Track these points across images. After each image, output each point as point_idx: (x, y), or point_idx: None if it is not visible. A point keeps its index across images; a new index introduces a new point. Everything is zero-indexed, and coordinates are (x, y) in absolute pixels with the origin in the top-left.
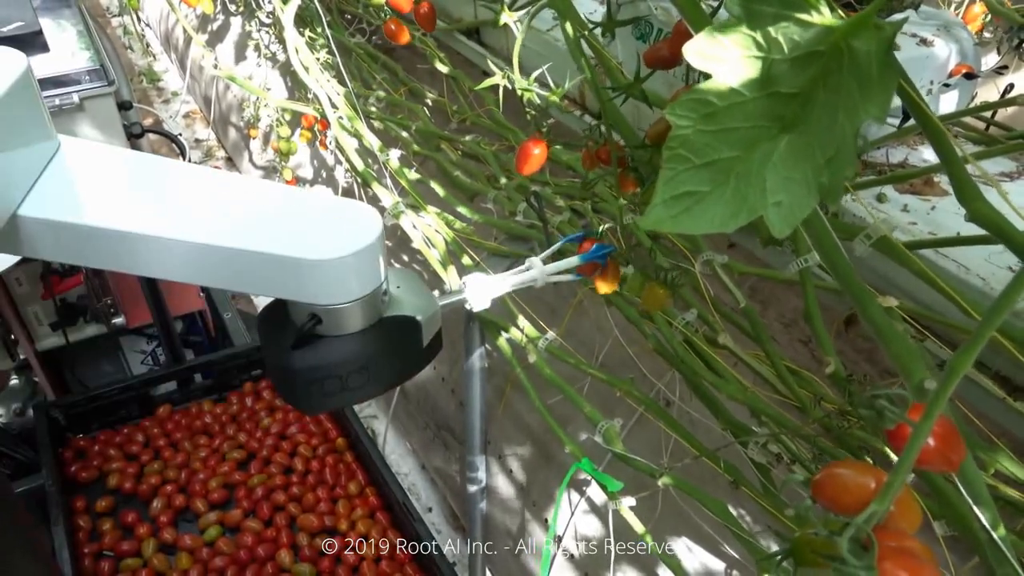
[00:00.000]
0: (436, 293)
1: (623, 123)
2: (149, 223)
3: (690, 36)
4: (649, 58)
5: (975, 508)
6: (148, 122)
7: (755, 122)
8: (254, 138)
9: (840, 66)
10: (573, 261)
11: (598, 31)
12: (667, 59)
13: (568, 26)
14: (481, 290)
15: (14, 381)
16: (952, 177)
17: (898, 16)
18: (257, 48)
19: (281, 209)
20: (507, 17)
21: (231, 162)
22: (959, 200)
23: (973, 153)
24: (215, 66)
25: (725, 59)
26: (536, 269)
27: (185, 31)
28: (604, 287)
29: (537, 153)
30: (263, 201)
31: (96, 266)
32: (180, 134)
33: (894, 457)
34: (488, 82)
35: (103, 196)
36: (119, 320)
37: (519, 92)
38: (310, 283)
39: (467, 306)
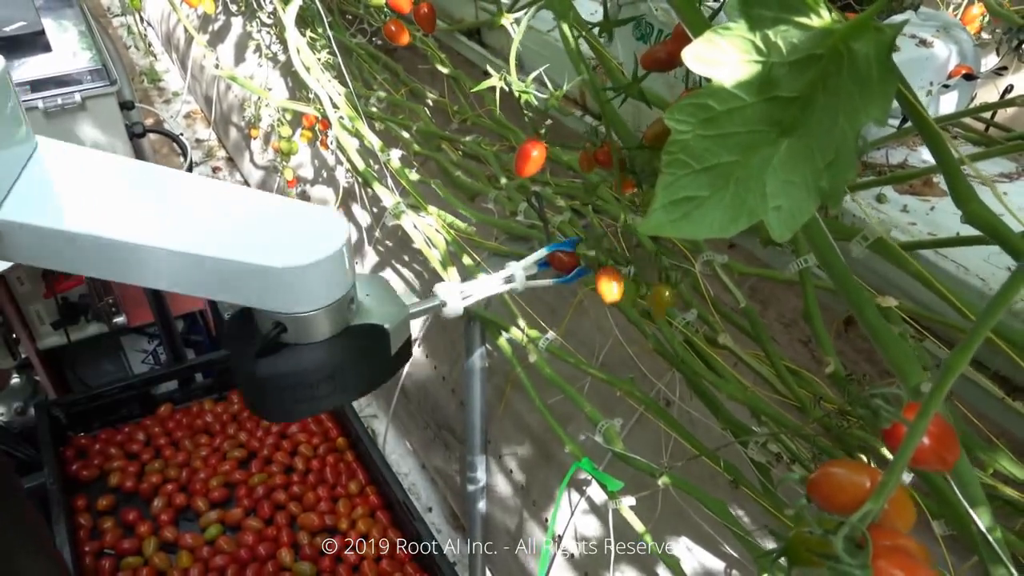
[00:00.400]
0: (406, 294)
1: (621, 124)
2: (118, 228)
3: (689, 39)
4: (646, 60)
5: (970, 510)
6: (149, 122)
7: (754, 126)
8: (255, 138)
9: (840, 69)
10: (549, 281)
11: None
12: (664, 61)
13: (565, 27)
14: (453, 297)
15: (16, 380)
16: (948, 179)
17: (898, 18)
18: (258, 48)
19: (247, 215)
20: (505, 20)
21: (232, 162)
22: (955, 202)
23: (972, 154)
24: (216, 66)
25: (724, 63)
26: (519, 281)
27: (186, 31)
28: (609, 295)
29: (536, 155)
30: (230, 206)
31: (68, 270)
32: (181, 134)
33: (891, 457)
34: (485, 84)
35: (77, 201)
36: (120, 319)
37: (517, 94)
38: (274, 291)
39: (442, 313)
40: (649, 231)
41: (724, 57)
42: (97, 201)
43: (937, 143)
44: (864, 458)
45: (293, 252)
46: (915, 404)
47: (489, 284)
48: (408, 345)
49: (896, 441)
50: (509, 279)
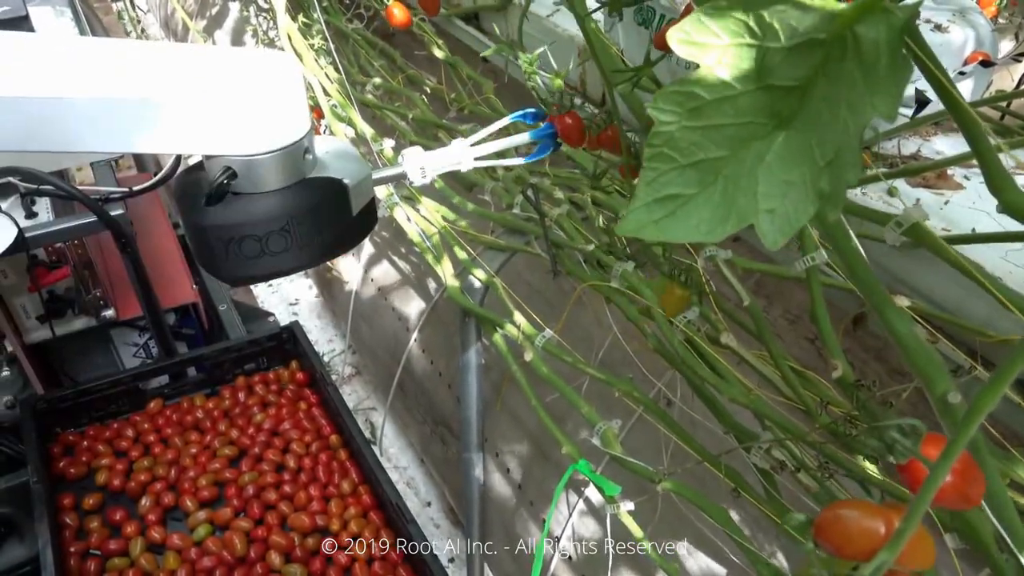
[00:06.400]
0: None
1: (638, 105)
2: (53, 86)
3: None
4: (660, 42)
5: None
6: None
7: (747, 118)
8: None
9: (844, 56)
10: (524, 138)
11: (599, 19)
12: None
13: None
14: (418, 164)
15: (6, 373)
16: (984, 167)
17: None
18: (255, 34)
19: (192, 62)
20: None
21: None
22: (991, 191)
23: (996, 144)
24: None
25: (714, 47)
26: (466, 162)
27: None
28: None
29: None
30: (174, 57)
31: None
32: None
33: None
34: (489, 51)
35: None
36: (109, 312)
37: (524, 72)
38: (224, 129)
39: (407, 181)
40: (628, 232)
41: (714, 40)
42: (30, 66)
43: (972, 129)
44: (874, 468)
45: (244, 88)
46: (935, 436)
47: (458, 153)
48: (373, 212)
49: (914, 478)
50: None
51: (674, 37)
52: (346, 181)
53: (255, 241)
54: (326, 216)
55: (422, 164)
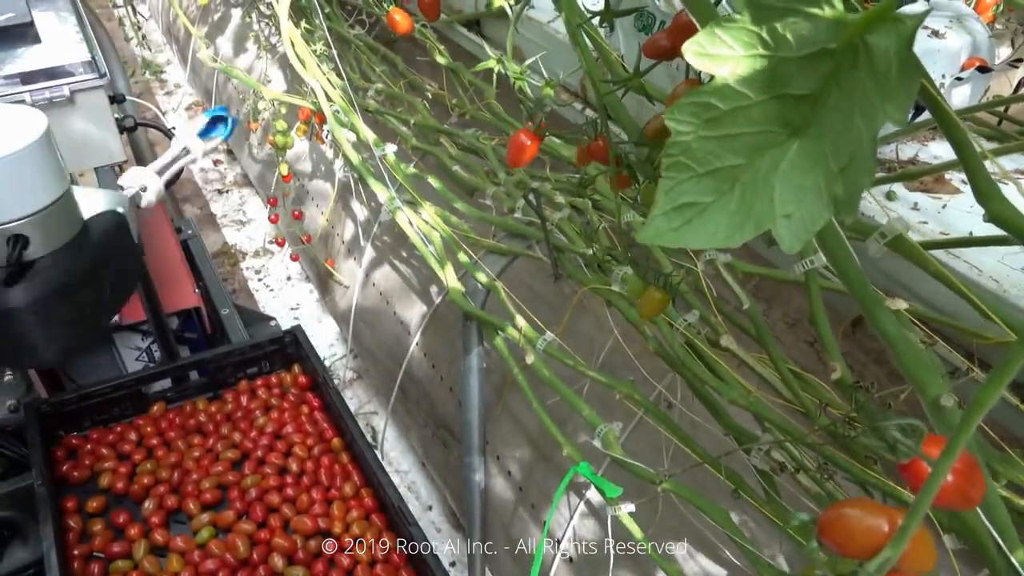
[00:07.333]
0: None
1: (625, 116)
2: None
3: (691, 28)
4: (648, 50)
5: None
6: (149, 115)
7: (761, 127)
8: (254, 131)
9: (855, 64)
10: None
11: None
12: (667, 50)
13: (565, 13)
14: (140, 178)
15: (9, 377)
16: (970, 175)
17: (912, 8)
18: (257, 40)
19: None
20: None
21: (231, 154)
22: (977, 200)
23: (990, 150)
24: (213, 59)
25: (728, 58)
26: (196, 151)
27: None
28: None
29: (529, 144)
30: None
31: None
32: (173, 128)
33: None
34: (482, 65)
35: None
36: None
37: (512, 81)
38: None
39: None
40: (648, 240)
41: (728, 52)
42: None
43: (959, 138)
44: (875, 467)
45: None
46: (936, 437)
47: (168, 161)
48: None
49: (915, 477)
50: (185, 151)
51: (689, 50)
52: (120, 209)
53: (70, 301)
54: (117, 250)
55: (144, 177)
